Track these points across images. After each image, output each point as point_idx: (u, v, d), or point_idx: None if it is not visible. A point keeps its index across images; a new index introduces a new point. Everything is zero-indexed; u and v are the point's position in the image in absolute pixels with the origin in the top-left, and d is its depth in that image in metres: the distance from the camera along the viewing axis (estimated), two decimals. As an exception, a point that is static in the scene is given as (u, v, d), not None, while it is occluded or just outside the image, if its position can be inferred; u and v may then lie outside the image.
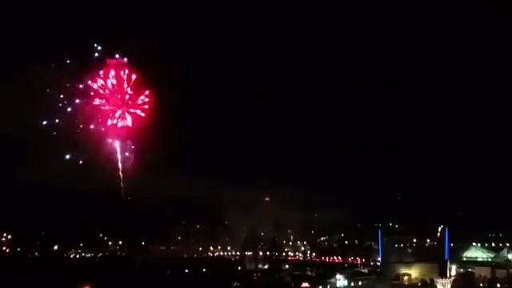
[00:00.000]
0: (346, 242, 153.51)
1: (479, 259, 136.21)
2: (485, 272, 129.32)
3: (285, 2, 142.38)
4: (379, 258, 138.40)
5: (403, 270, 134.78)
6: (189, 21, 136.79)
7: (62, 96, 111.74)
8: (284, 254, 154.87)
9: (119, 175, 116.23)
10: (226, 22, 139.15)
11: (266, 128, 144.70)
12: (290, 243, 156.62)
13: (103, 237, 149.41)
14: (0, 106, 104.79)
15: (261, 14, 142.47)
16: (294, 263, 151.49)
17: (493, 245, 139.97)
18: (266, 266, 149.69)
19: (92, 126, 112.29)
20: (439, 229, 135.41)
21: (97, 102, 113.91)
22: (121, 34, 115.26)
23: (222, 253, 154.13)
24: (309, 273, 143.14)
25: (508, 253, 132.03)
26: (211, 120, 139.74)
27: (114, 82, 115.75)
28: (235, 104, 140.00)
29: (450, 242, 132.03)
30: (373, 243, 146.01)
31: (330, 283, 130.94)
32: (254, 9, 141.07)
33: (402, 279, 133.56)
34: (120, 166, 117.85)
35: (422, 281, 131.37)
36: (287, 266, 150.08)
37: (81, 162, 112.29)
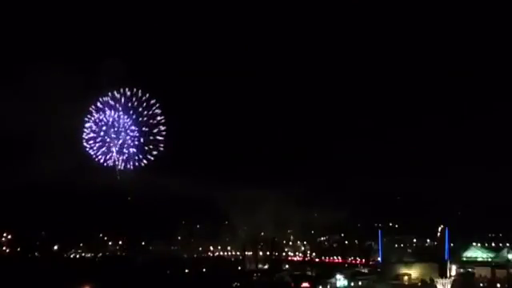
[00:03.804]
0: (346, 242, 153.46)
1: (479, 259, 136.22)
2: (485, 272, 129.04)
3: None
4: (379, 258, 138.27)
5: (403, 270, 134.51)
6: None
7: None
8: (284, 253, 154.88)
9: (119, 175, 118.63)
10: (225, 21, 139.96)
11: (266, 128, 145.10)
12: (290, 243, 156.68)
13: (103, 237, 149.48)
14: (1, 106, 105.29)
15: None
16: (294, 263, 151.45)
17: (493, 245, 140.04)
18: (266, 266, 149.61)
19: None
20: (439, 229, 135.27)
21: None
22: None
23: (222, 253, 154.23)
24: (309, 273, 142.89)
25: (508, 253, 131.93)
26: (212, 120, 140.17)
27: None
28: (235, 105, 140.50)
29: (449, 242, 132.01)
30: (373, 243, 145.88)
31: (330, 283, 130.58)
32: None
33: (402, 279, 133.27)
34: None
35: (422, 281, 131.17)
36: (287, 266, 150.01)
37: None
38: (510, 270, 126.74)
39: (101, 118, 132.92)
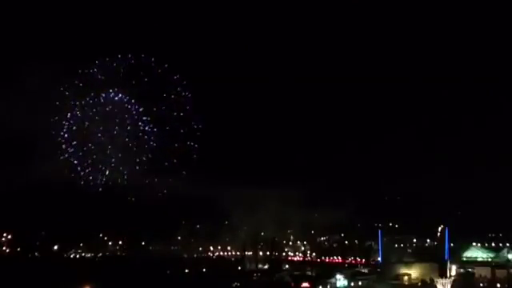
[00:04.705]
0: (346, 242, 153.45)
1: (479, 259, 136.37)
2: (485, 272, 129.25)
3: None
4: (379, 258, 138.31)
5: (403, 270, 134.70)
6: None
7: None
8: (284, 253, 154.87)
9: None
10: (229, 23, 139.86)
11: (266, 129, 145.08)
12: (290, 243, 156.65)
13: (103, 237, 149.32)
14: (1, 107, 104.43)
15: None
16: (294, 263, 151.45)
17: (493, 245, 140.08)
18: (266, 266, 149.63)
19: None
20: (439, 229, 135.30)
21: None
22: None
23: (222, 253, 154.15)
24: (309, 273, 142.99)
25: (508, 253, 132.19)
26: (212, 121, 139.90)
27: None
28: (236, 105, 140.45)
29: (450, 242, 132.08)
30: (373, 243, 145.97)
31: (330, 283, 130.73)
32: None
33: (402, 279, 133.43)
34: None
35: (422, 281, 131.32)
36: (287, 266, 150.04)
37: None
38: (510, 270, 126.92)
39: (78, 105, 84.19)
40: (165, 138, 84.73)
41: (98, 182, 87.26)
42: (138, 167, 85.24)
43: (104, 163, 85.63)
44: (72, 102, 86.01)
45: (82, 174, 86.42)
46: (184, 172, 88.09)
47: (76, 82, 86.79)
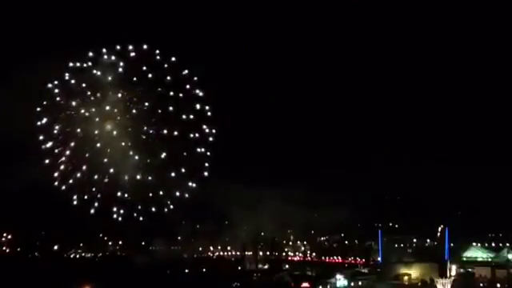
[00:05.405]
0: (346, 242, 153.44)
1: (479, 259, 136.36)
2: (485, 272, 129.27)
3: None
4: (379, 258, 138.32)
5: (403, 270, 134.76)
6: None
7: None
8: (284, 253, 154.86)
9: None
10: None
11: (266, 128, 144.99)
12: (290, 243, 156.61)
13: (103, 237, 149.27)
14: (0, 105, 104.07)
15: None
16: (294, 263, 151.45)
17: (493, 245, 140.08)
18: (266, 266, 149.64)
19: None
20: (439, 229, 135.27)
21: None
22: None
23: (222, 253, 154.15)
24: (309, 273, 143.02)
25: (508, 253, 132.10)
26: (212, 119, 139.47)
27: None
28: (236, 104, 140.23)
29: (450, 242, 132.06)
30: (373, 243, 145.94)
31: (330, 283, 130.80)
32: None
33: (402, 279, 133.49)
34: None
35: (422, 281, 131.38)
36: (287, 266, 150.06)
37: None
38: (510, 270, 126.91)
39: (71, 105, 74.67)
40: (171, 143, 75.15)
41: (93, 195, 77.71)
42: (139, 176, 75.19)
43: (100, 172, 76.20)
44: (63, 102, 77.82)
45: (72, 184, 77.66)
46: (194, 184, 78.51)
47: (68, 78, 78.89)
